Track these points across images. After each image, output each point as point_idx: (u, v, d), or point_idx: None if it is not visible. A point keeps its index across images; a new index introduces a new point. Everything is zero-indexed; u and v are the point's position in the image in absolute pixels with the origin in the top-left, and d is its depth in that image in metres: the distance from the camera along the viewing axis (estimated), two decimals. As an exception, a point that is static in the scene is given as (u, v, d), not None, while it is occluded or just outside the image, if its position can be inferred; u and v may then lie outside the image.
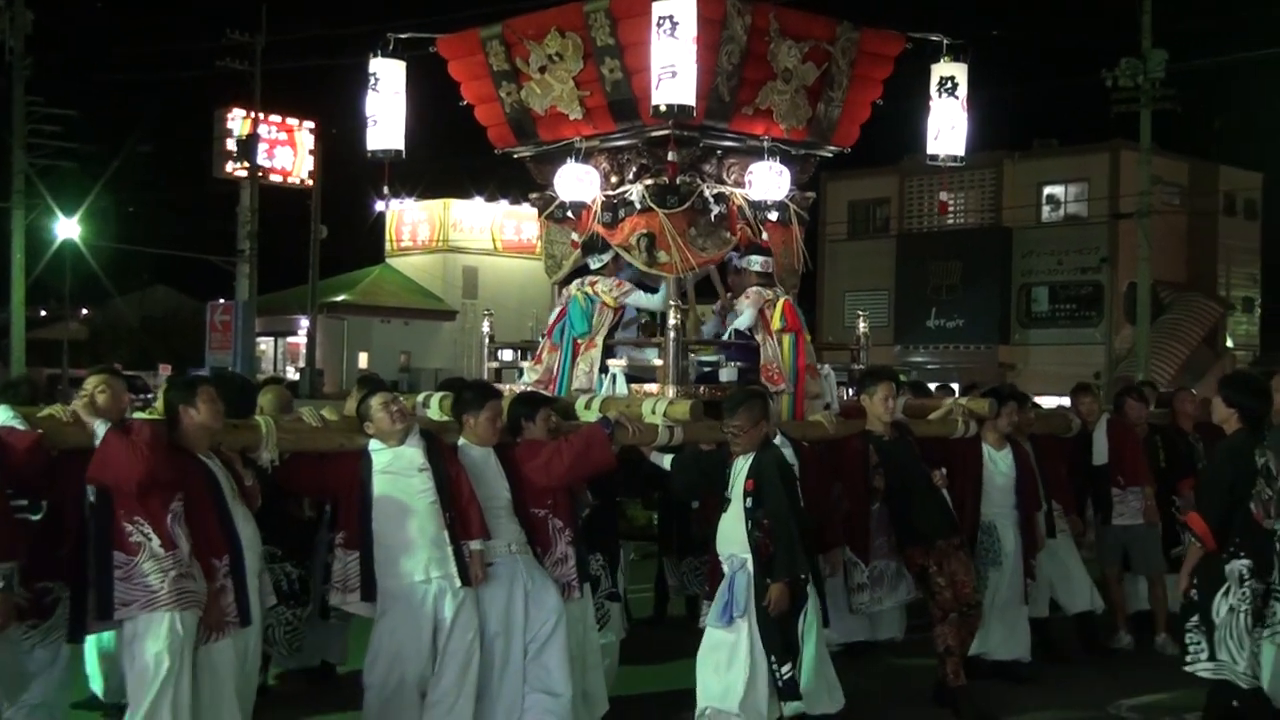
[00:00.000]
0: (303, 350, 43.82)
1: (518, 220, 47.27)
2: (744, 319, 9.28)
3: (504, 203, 47.36)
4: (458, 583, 6.84)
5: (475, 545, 6.91)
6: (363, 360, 44.49)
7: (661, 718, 8.10)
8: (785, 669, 7.03)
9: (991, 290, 39.56)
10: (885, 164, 39.66)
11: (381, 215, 49.06)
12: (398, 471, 6.92)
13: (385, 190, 46.03)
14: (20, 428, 5.98)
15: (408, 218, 49.60)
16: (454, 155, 40.57)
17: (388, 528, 6.87)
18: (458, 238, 48.41)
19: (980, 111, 11.57)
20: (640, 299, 9.40)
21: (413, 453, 6.97)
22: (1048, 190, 39.83)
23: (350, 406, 7.91)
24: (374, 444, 7.01)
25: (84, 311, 54.72)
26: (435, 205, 48.68)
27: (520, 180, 10.38)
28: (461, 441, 7.29)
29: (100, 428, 5.98)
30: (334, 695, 8.24)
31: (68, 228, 39.13)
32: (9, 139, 33.75)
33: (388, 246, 50.15)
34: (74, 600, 6.14)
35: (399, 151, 9.98)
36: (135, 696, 5.92)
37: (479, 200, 48.35)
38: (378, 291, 47.91)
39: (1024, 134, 40.73)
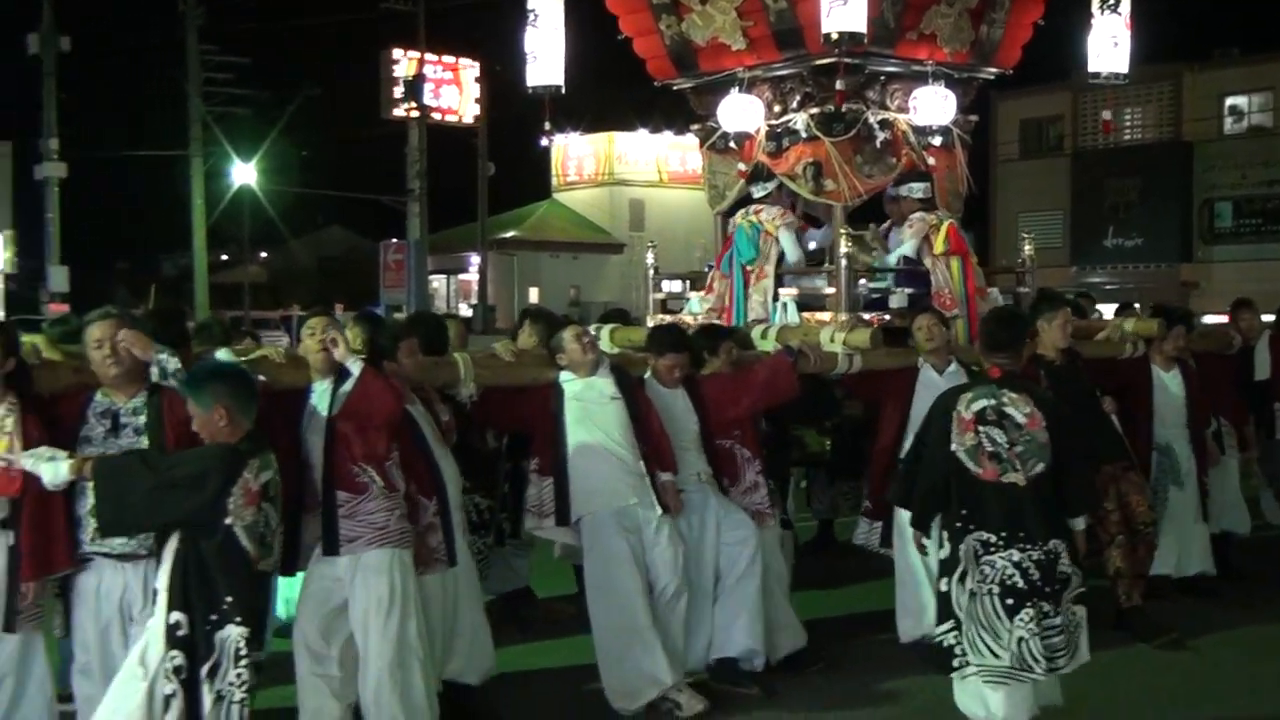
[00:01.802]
0: (474, 287, 44.47)
1: (683, 151, 47.19)
2: (907, 246, 9.34)
3: (668, 134, 47.24)
4: (658, 509, 6.98)
5: (666, 477, 7.05)
6: (533, 295, 44.99)
7: (849, 640, 8.18)
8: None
9: (1172, 207, 38.43)
10: (1057, 80, 38.62)
11: (547, 150, 49.38)
12: (590, 400, 7.07)
13: (546, 126, 46.13)
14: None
15: (573, 152, 49.85)
16: (618, 88, 40.60)
17: (584, 456, 7.02)
18: (623, 170, 48.57)
19: (1155, 22, 11.27)
20: (785, 241, 9.43)
21: (604, 383, 7.12)
22: (1230, 101, 38.51)
23: (522, 340, 8.08)
24: (565, 375, 7.17)
25: (262, 254, 56.09)
26: (600, 139, 48.86)
27: (685, 111, 10.43)
28: (648, 375, 7.42)
29: (354, 365, 6.06)
30: (536, 624, 8.44)
31: (244, 173, 40.12)
32: (185, 87, 34.75)
33: (554, 181, 50.53)
34: (287, 535, 6.34)
35: (558, 87, 10.05)
36: (371, 626, 6.07)
37: (643, 132, 48.35)
38: (546, 226, 48.36)
39: (1203, 43, 39.40)
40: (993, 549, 6.01)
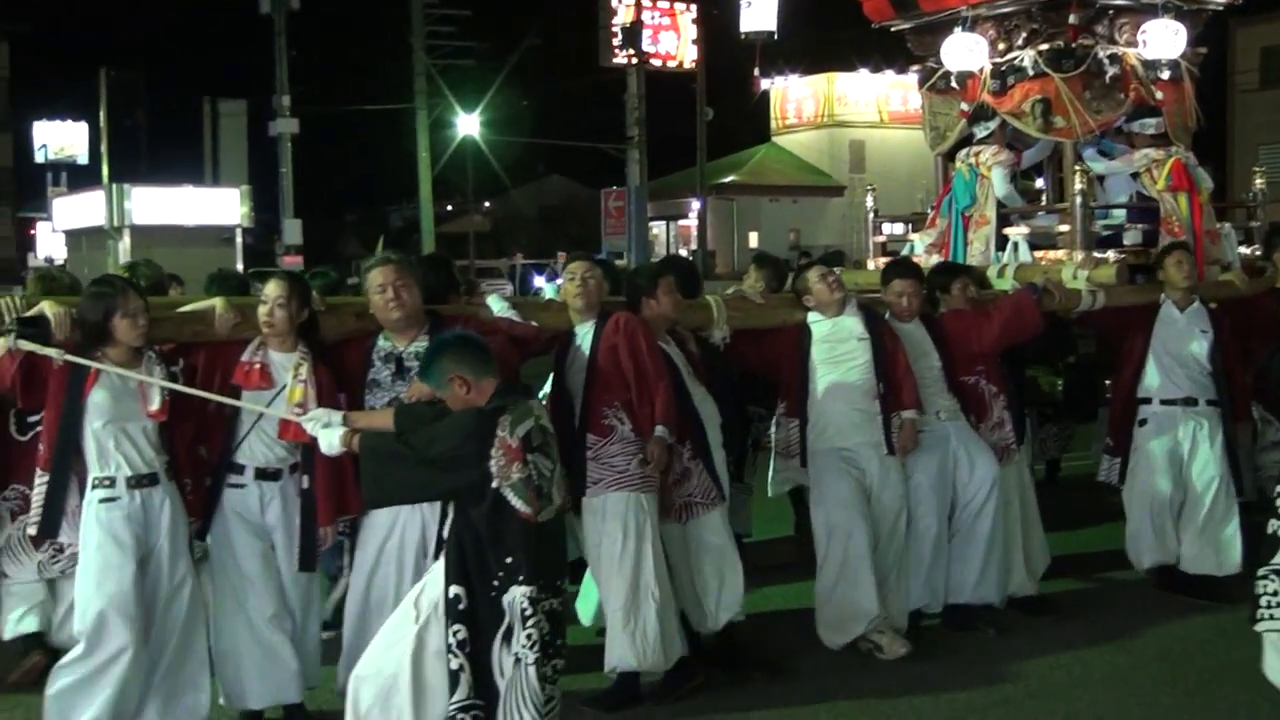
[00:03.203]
0: (694, 232, 44.67)
1: (904, 90, 46.28)
2: (1125, 181, 9.33)
3: (890, 73, 46.40)
4: (884, 449, 7.02)
5: (908, 414, 7.07)
6: (753, 240, 44.99)
7: (1081, 581, 8.23)
8: None
9: None
10: (1299, 4, 36.86)
11: (766, 94, 49.11)
12: (837, 340, 7.12)
13: (756, 72, 45.81)
14: (517, 318, 6.33)
15: (792, 94, 49.50)
16: (837, 28, 40.15)
17: (824, 397, 7.09)
18: (843, 112, 48.06)
19: None
20: (997, 179, 9.34)
21: (852, 322, 7.15)
22: None
23: (748, 285, 8.14)
24: (813, 316, 7.23)
25: (485, 204, 57.14)
26: (819, 80, 48.38)
27: (905, 50, 10.37)
28: (887, 314, 7.43)
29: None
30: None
31: (467, 124, 40.90)
32: (410, 41, 35.58)
33: (773, 125, 50.28)
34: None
35: (771, 33, 10.15)
36: (605, 568, 6.26)
37: (864, 72, 47.66)
38: (765, 170, 48.20)
39: None
40: None
